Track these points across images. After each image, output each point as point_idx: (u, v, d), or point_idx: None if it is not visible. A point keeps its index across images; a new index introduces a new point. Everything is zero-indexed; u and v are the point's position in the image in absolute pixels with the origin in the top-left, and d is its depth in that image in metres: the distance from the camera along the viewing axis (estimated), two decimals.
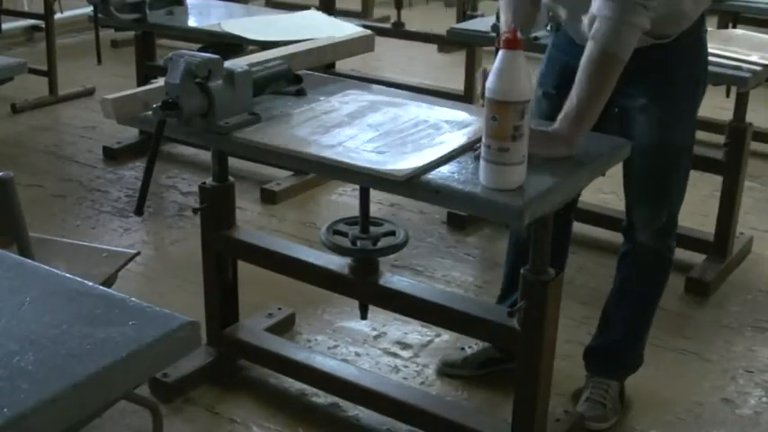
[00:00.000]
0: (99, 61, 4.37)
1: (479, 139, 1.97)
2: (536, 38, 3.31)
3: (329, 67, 4.62)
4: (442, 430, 2.41)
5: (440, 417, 2.40)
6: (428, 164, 2.01)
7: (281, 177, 4.08)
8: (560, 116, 2.09)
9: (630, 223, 2.54)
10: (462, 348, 2.80)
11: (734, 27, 5.16)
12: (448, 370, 2.77)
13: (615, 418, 2.60)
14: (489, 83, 1.88)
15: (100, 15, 4.04)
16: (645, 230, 2.52)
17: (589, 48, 2.08)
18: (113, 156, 4.43)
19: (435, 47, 6.34)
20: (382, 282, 2.43)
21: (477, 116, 2.35)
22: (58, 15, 5.31)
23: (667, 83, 2.33)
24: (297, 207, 3.97)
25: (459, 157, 2.07)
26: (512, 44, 1.87)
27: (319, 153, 2.09)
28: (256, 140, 2.18)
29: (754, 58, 3.15)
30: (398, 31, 5.59)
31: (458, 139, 2.16)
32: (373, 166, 2.00)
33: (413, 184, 1.96)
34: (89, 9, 4.25)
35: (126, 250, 2.57)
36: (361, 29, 3.33)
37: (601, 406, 2.58)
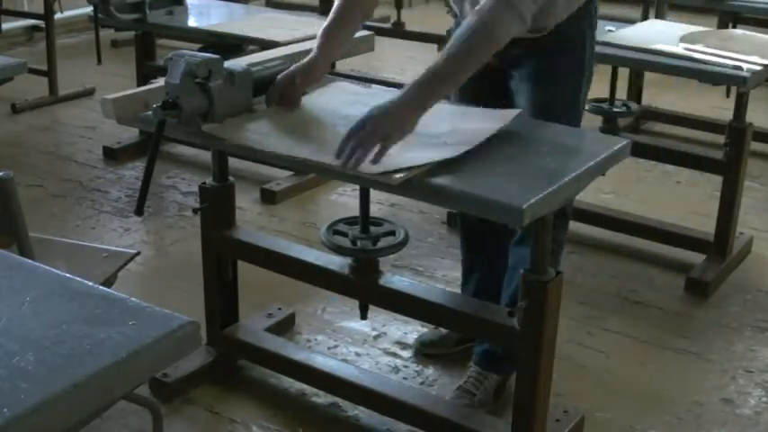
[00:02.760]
0: (99, 61, 4.37)
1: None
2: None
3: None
4: (442, 430, 2.42)
5: (440, 417, 2.40)
6: (425, 165, 1.99)
7: (281, 177, 4.08)
8: (412, 82, 2.06)
9: None
10: (436, 327, 2.85)
11: (734, 27, 5.16)
12: (424, 349, 2.83)
13: (483, 410, 2.58)
14: None
15: (100, 15, 4.04)
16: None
17: (469, 22, 2.08)
18: (113, 156, 4.43)
19: (435, 47, 6.32)
20: (382, 282, 2.43)
21: (477, 114, 2.35)
22: (58, 15, 5.31)
23: (547, 68, 2.37)
24: (297, 207, 3.97)
25: (458, 157, 2.06)
26: None
27: (314, 156, 2.06)
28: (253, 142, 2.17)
29: (754, 58, 3.15)
30: (398, 31, 5.59)
31: (457, 138, 2.15)
32: (367, 170, 1.99)
33: (412, 185, 1.96)
34: (89, 9, 4.26)
35: (126, 250, 2.57)
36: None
37: (470, 395, 2.60)
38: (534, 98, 2.40)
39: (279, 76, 2.33)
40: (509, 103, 2.43)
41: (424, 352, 2.84)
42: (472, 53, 2.07)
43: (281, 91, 2.32)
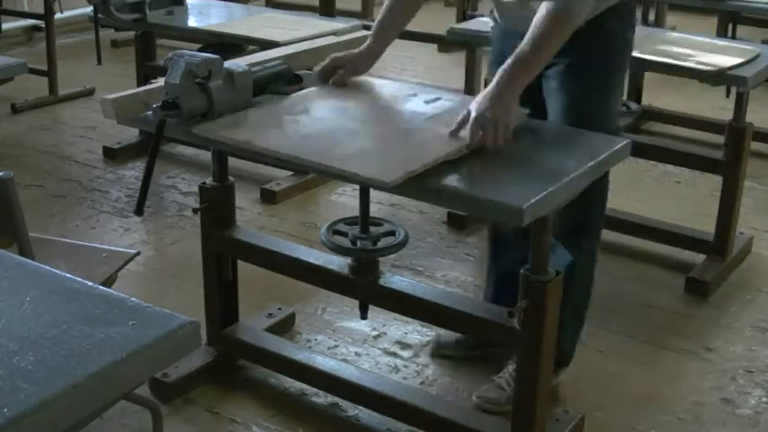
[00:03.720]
0: (99, 61, 4.38)
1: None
2: None
3: None
4: (442, 430, 2.42)
5: (440, 417, 2.40)
6: (421, 167, 1.98)
7: (281, 177, 4.08)
8: (501, 69, 2.15)
9: None
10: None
11: (734, 27, 5.17)
12: (442, 350, 2.84)
13: (510, 406, 2.51)
14: None
15: (100, 15, 4.04)
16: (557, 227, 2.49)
17: (546, 6, 2.14)
18: (113, 156, 4.43)
19: (435, 47, 6.34)
20: (382, 282, 2.43)
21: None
22: (57, 15, 5.31)
23: (583, 62, 2.36)
24: (297, 207, 3.97)
25: (457, 156, 2.06)
26: None
27: (310, 157, 2.06)
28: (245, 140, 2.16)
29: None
30: None
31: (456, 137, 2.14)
32: (361, 173, 1.97)
33: (412, 185, 1.96)
34: (89, 9, 4.26)
35: (126, 250, 2.57)
36: (361, 30, 3.32)
37: (501, 390, 2.58)
38: (570, 91, 2.38)
39: (331, 59, 2.51)
40: (542, 102, 2.45)
41: (441, 353, 2.84)
42: (553, 35, 2.14)
43: (328, 73, 2.50)
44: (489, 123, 2.07)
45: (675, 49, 3.33)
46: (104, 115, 2.28)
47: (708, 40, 3.56)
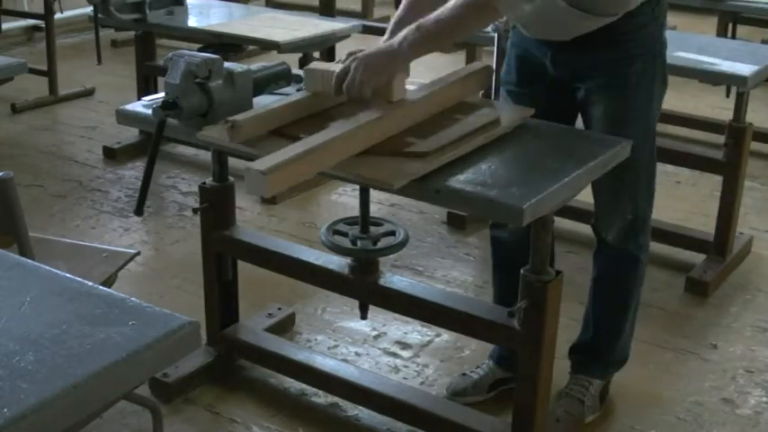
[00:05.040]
0: (99, 61, 4.38)
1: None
2: None
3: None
4: (442, 430, 2.42)
5: (440, 417, 2.40)
6: (424, 169, 1.98)
7: None
8: (405, 31, 2.16)
9: (596, 220, 2.50)
10: (464, 374, 2.70)
11: (734, 27, 5.16)
12: (457, 399, 2.63)
13: (593, 415, 2.57)
14: None
15: (100, 15, 4.04)
16: (609, 229, 2.46)
17: None
18: (113, 156, 4.43)
19: None
20: (382, 282, 2.43)
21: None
22: (58, 15, 5.31)
23: (620, 76, 2.30)
24: (297, 207, 3.97)
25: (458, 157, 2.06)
26: None
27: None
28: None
29: None
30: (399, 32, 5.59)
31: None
32: (366, 175, 1.97)
33: (413, 185, 1.95)
34: (89, 9, 4.26)
35: (126, 250, 2.57)
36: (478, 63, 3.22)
37: (579, 402, 2.56)
38: (607, 112, 2.32)
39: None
40: (575, 118, 2.43)
41: (459, 402, 2.61)
42: (470, 21, 2.15)
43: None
44: (356, 71, 2.10)
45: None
46: (250, 192, 2.01)
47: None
